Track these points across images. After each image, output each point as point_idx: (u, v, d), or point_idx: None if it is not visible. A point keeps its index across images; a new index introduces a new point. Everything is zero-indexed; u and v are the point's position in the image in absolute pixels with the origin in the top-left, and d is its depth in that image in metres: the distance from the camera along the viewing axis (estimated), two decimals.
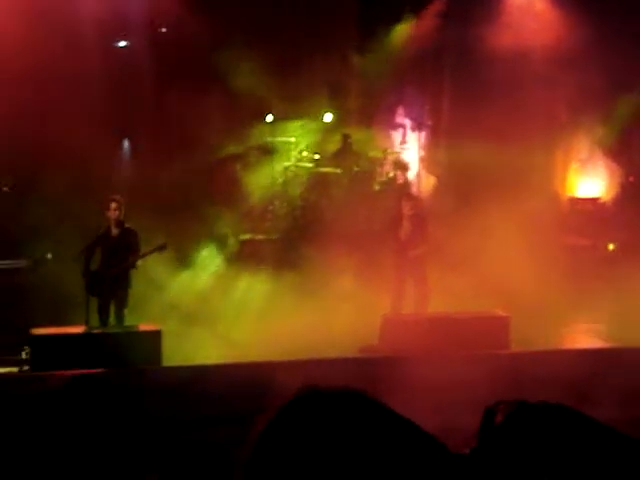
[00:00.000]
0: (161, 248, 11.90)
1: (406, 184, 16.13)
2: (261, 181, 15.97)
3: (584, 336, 13.09)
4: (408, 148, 17.11)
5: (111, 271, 11.77)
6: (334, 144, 16.65)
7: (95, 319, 11.89)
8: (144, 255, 11.89)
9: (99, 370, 10.34)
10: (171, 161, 15.39)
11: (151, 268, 12.46)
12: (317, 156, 16.29)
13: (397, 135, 17.37)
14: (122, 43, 16.38)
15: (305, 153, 16.23)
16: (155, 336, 11.26)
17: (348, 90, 16.90)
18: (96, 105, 14.75)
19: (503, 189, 13.98)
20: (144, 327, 11.54)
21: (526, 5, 16.80)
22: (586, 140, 17.01)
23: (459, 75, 16.36)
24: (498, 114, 14.86)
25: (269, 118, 16.31)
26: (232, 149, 16.10)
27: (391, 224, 13.00)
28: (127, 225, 12.02)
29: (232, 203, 15.39)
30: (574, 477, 1.43)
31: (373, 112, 17.01)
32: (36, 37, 13.67)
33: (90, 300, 11.91)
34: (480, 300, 12.27)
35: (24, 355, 11.50)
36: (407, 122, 17.31)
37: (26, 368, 11.27)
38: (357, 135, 16.70)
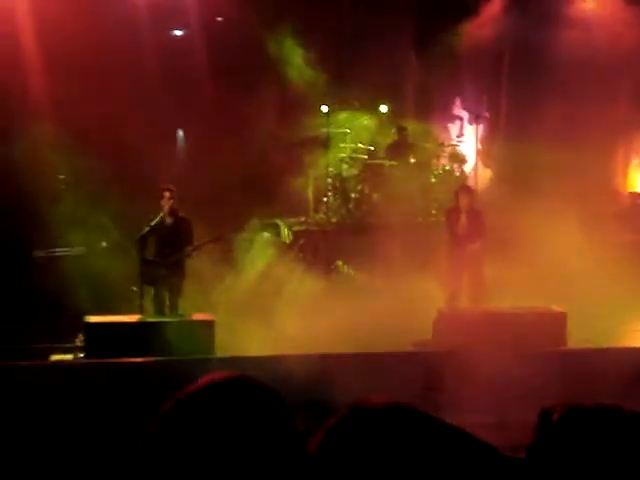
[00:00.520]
0: (217, 239, 11.93)
1: (463, 177, 15.97)
2: (315, 172, 15.92)
3: None
4: (465, 141, 16.93)
5: (166, 260, 11.83)
6: (390, 136, 16.54)
7: (150, 308, 11.96)
8: (200, 246, 11.93)
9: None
10: (225, 151, 15.41)
11: (205, 258, 12.49)
12: (372, 148, 16.19)
13: (454, 127, 17.20)
14: (178, 32, 16.42)
15: (360, 145, 16.14)
16: (208, 326, 11.29)
17: (405, 81, 16.76)
18: (151, 95, 14.82)
19: (562, 184, 13.76)
20: (197, 317, 11.58)
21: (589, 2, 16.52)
22: None
23: (518, 68, 16.14)
24: (557, 108, 14.64)
25: (324, 109, 16.26)
26: (287, 140, 16.07)
27: (448, 218, 12.88)
28: (181, 214, 12.07)
29: (286, 194, 15.36)
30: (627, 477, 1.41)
31: (430, 104, 16.85)
32: (91, 26, 13.76)
33: (145, 289, 11.98)
34: (537, 296, 12.10)
35: (78, 342, 11.62)
36: (464, 114, 17.13)
37: (80, 355, 11.37)
38: (413, 127, 16.57)
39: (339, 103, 16.32)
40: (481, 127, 16.87)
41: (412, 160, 15.93)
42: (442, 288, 12.48)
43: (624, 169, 17.18)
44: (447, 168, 16.16)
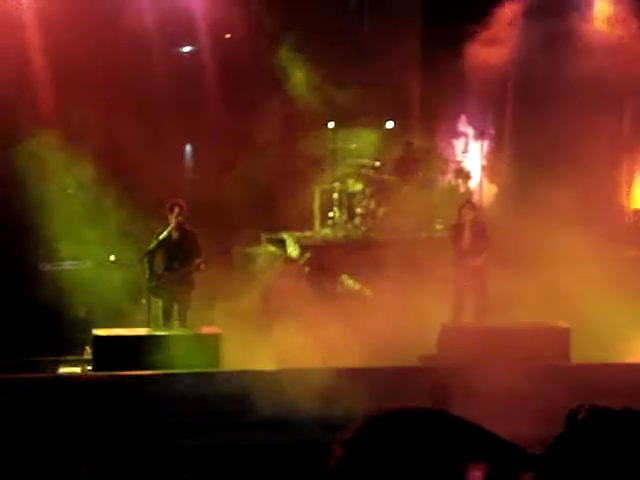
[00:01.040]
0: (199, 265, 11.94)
1: (468, 193, 16.05)
2: (322, 187, 16.00)
3: None
4: (469, 157, 17.02)
5: (174, 274, 11.92)
6: (395, 152, 16.63)
7: (158, 321, 12.04)
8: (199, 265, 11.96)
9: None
10: (232, 166, 15.50)
11: (212, 272, 12.56)
12: (378, 163, 16.28)
13: (459, 144, 17.29)
14: (186, 48, 16.55)
15: (366, 160, 16.23)
16: (215, 339, 11.37)
17: (411, 97, 16.86)
18: (159, 110, 14.92)
19: (566, 200, 13.82)
20: (204, 330, 11.65)
21: (592, 19, 16.59)
22: None
23: (523, 85, 16.23)
24: (562, 125, 14.71)
25: (331, 124, 16.35)
26: (294, 155, 16.16)
27: (452, 233, 12.95)
28: (188, 228, 12.17)
29: (292, 209, 15.44)
30: None
31: (435, 120, 16.95)
32: (100, 42, 13.88)
33: (153, 302, 12.06)
34: (542, 311, 12.15)
35: (86, 355, 11.70)
36: (470, 131, 17.22)
37: (88, 368, 11.45)
38: (419, 143, 16.65)
39: (345, 119, 16.41)
40: (486, 143, 16.95)
41: (418, 176, 16.02)
42: (447, 303, 12.55)
43: (628, 186, 17.23)
44: (452, 184, 16.25)
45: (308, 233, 15.69)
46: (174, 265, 11.97)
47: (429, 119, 16.93)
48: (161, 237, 12.04)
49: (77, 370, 11.52)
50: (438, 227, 15.45)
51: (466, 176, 16.32)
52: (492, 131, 17.12)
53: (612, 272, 12.82)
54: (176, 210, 12.11)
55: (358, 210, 15.77)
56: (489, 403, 9.00)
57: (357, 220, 15.73)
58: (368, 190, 15.87)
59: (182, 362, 11.00)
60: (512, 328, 11.73)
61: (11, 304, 12.80)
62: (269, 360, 11.11)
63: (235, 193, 14.65)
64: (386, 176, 16.11)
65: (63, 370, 11.52)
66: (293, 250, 15.11)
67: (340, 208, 15.79)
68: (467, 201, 14.02)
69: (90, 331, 11.55)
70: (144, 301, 12.12)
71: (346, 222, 15.73)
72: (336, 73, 16.02)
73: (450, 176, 16.35)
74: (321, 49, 15.60)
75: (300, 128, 16.17)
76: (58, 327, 12.33)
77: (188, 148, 16.83)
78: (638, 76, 15.61)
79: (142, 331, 11.57)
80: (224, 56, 15.64)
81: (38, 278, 13.46)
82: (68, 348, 12.08)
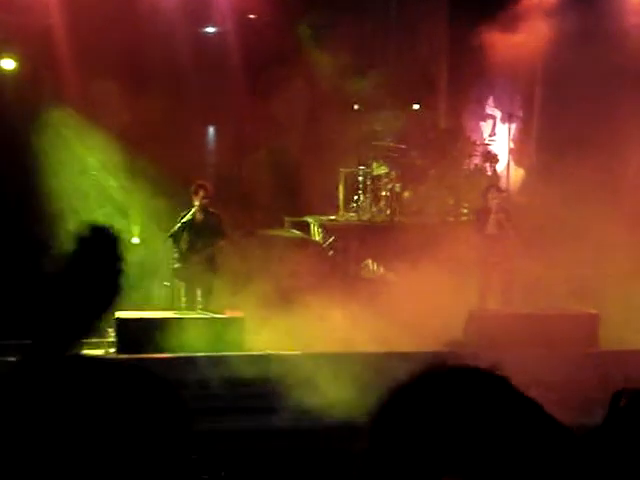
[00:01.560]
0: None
1: (495, 176, 15.86)
2: (346, 170, 15.88)
3: None
4: (496, 140, 16.81)
5: (198, 255, 11.86)
6: (422, 134, 16.46)
7: (182, 304, 12.00)
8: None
9: None
10: (256, 149, 15.41)
11: (237, 254, 12.49)
12: (404, 146, 16.12)
13: (486, 126, 17.08)
14: (210, 29, 16.44)
15: (392, 143, 16.07)
16: (238, 323, 11.32)
17: (438, 79, 16.68)
18: (182, 92, 14.85)
19: (595, 185, 13.63)
20: (228, 313, 11.60)
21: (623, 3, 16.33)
22: None
23: (552, 67, 15.99)
24: (592, 109, 14.49)
25: (356, 107, 16.19)
26: (318, 138, 16.04)
27: (477, 218, 12.81)
28: (211, 209, 12.12)
29: (317, 192, 15.33)
30: None
31: (462, 102, 16.75)
32: (122, 24, 13.81)
33: (177, 284, 12.02)
34: (571, 297, 12.00)
35: (108, 337, 11.67)
36: (497, 113, 17.01)
37: (111, 351, 11.43)
38: (445, 125, 16.48)
39: (371, 101, 16.26)
40: (514, 126, 16.75)
41: (444, 159, 15.86)
42: (471, 288, 12.42)
43: None
44: (479, 167, 16.06)
45: (332, 217, 15.58)
46: (198, 247, 11.92)
47: (456, 101, 16.74)
48: (185, 219, 12.00)
49: (100, 352, 11.49)
50: (464, 211, 15.29)
51: (493, 159, 16.13)
52: (520, 114, 16.90)
53: (638, 257, 12.63)
54: (201, 192, 12.08)
55: (383, 193, 15.63)
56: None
57: (382, 203, 15.59)
58: (393, 173, 15.72)
59: (205, 345, 10.96)
60: (540, 314, 11.60)
61: (31, 285, 12.78)
62: (292, 344, 11.04)
63: (259, 176, 14.57)
64: (412, 159, 15.95)
65: (85, 353, 11.48)
66: (317, 234, 15.01)
67: (365, 191, 15.66)
68: (492, 185, 13.85)
69: (113, 313, 11.53)
70: (167, 283, 12.08)
71: (371, 206, 15.60)
72: (362, 54, 15.87)
73: (477, 159, 16.16)
74: (346, 30, 15.44)
75: (325, 110, 16.05)
76: None
77: (211, 130, 16.73)
78: None
79: (165, 314, 11.54)
80: (248, 37, 15.53)
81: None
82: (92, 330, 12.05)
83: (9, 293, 11.77)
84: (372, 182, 15.73)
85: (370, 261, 14.35)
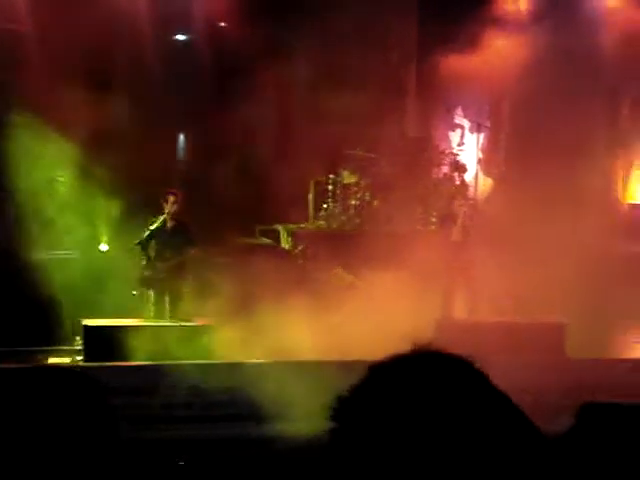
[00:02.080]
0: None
1: (463, 185, 15.96)
2: (316, 179, 15.91)
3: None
4: (465, 150, 16.92)
5: (166, 264, 11.82)
6: (391, 144, 16.52)
7: (150, 312, 11.95)
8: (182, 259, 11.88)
9: None
10: (226, 156, 15.38)
11: (206, 262, 12.48)
12: (373, 155, 16.18)
13: (455, 136, 17.19)
14: (180, 36, 16.42)
15: (361, 152, 16.13)
16: (207, 331, 11.29)
17: (407, 89, 16.76)
18: (152, 98, 14.81)
19: (561, 193, 13.76)
20: (197, 321, 11.57)
21: (592, 8, 16.50)
22: None
23: (520, 77, 16.12)
24: (559, 118, 14.62)
25: (326, 115, 16.22)
26: (288, 145, 16.06)
27: (443, 224, 12.89)
28: (182, 218, 12.09)
29: (287, 200, 15.34)
30: None
31: (432, 112, 16.85)
32: (90, 29, 13.75)
33: (145, 293, 11.98)
34: (535, 306, 12.09)
35: (76, 345, 11.61)
36: (466, 123, 17.13)
37: (78, 358, 11.36)
38: (414, 134, 16.56)
39: (341, 109, 16.29)
40: (482, 136, 16.87)
41: (413, 168, 15.93)
42: (439, 296, 12.49)
43: (624, 179, 17.17)
44: (448, 176, 16.15)
45: (302, 225, 15.60)
46: (166, 255, 11.88)
47: (425, 110, 16.84)
48: (154, 227, 11.95)
49: (67, 360, 11.43)
50: (433, 219, 15.36)
51: (462, 168, 16.22)
52: (488, 124, 17.02)
53: (606, 267, 12.76)
54: (171, 200, 12.04)
55: (352, 202, 15.68)
56: None
57: (351, 212, 15.64)
58: (363, 182, 15.77)
59: (174, 353, 10.93)
60: (507, 323, 11.67)
61: (1, 294, 12.69)
62: (261, 352, 11.03)
63: (229, 184, 14.55)
64: (381, 168, 16.01)
65: (52, 360, 11.43)
66: (286, 241, 15.02)
67: (334, 200, 15.70)
68: (456, 192, 13.96)
69: (81, 321, 11.46)
70: (135, 292, 12.02)
71: (340, 214, 15.64)
72: (331, 63, 15.92)
73: (446, 168, 16.26)
74: (316, 38, 15.48)
75: (295, 118, 16.06)
76: (49, 317, 12.22)
77: (181, 137, 16.70)
78: (635, 68, 15.53)
79: (133, 321, 11.48)
80: (218, 44, 15.53)
81: (29, 267, 13.35)
82: (58, 339, 11.98)
83: None
84: (342, 191, 15.77)
85: (339, 269, 14.37)
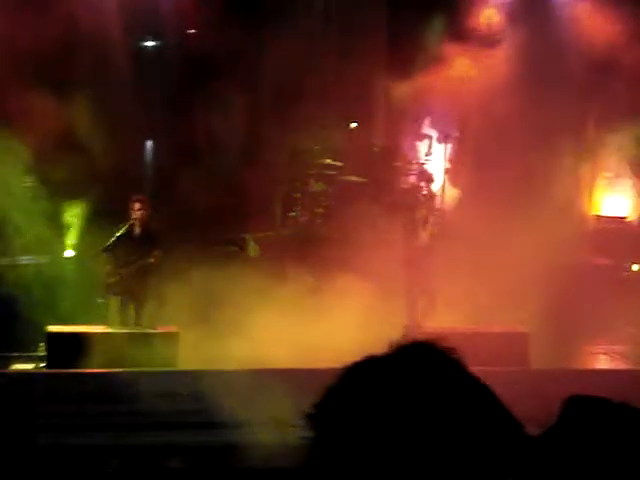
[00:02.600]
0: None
1: (429, 195, 16.02)
2: (283, 187, 15.91)
3: (605, 357, 12.93)
4: (432, 160, 16.99)
5: (130, 269, 11.76)
6: (359, 153, 16.57)
7: (115, 319, 11.88)
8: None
9: None
10: (194, 163, 15.34)
11: (172, 269, 12.43)
12: (340, 164, 16.21)
13: (423, 146, 17.26)
14: (149, 42, 16.37)
15: (329, 161, 16.16)
16: (172, 338, 11.24)
17: (374, 99, 16.81)
18: (120, 104, 14.75)
19: (528, 205, 13.85)
20: (162, 329, 11.51)
21: (557, 15, 16.63)
22: (614, 157, 16.83)
23: (487, 88, 16.23)
24: (526, 128, 14.74)
25: (295, 124, 16.24)
26: (256, 153, 16.06)
27: (406, 231, 12.96)
28: (152, 226, 12.03)
29: (253, 209, 15.34)
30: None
31: (399, 122, 16.91)
32: (57, 33, 13.67)
33: (110, 299, 11.90)
34: (500, 316, 12.15)
35: (40, 351, 11.51)
36: (433, 133, 17.20)
37: (42, 365, 11.27)
38: (382, 144, 16.61)
39: (308, 119, 16.32)
40: (450, 146, 16.95)
41: (380, 177, 15.98)
42: (404, 303, 12.56)
43: (589, 191, 17.31)
44: (415, 186, 16.19)
45: (269, 233, 15.58)
46: (132, 261, 11.82)
47: (393, 121, 16.90)
48: (119, 233, 11.88)
49: (30, 367, 11.33)
50: (399, 228, 15.39)
51: (429, 178, 16.28)
52: (456, 134, 17.10)
53: (572, 279, 12.86)
54: (136, 205, 11.97)
55: (319, 210, 15.70)
56: None
57: (318, 220, 15.65)
58: (330, 190, 15.80)
59: (138, 361, 10.86)
60: (472, 332, 11.71)
61: None
62: (227, 359, 11.00)
63: (196, 191, 14.51)
64: (349, 177, 16.05)
65: (16, 367, 11.32)
66: (253, 250, 15.00)
67: (302, 208, 15.70)
68: (418, 200, 14.05)
69: (45, 327, 11.36)
70: (101, 300, 11.95)
71: (308, 222, 15.65)
72: (300, 72, 15.95)
73: (413, 178, 16.30)
74: (285, 47, 15.50)
75: (264, 127, 16.07)
76: (12, 323, 12.11)
77: (149, 144, 16.62)
78: (601, 79, 15.68)
79: (97, 328, 11.40)
80: (187, 51, 15.51)
81: None
82: (22, 344, 11.88)
83: None
84: (309, 199, 15.78)
85: (306, 276, 14.37)
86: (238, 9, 15.68)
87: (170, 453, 9.68)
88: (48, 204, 13.79)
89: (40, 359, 11.41)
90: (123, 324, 11.77)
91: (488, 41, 16.18)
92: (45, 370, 10.97)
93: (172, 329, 11.44)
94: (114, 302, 11.93)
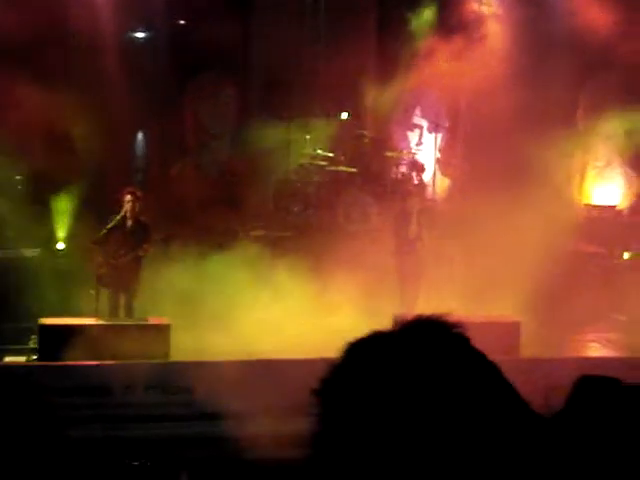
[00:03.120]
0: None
1: (421, 185, 16.04)
2: (276, 178, 15.91)
3: (596, 344, 12.98)
4: (423, 149, 17.01)
5: (120, 261, 11.75)
6: (349, 143, 16.57)
7: (106, 310, 11.87)
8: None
9: None
10: (186, 155, 15.34)
11: (162, 262, 12.43)
12: (332, 154, 16.21)
13: (413, 136, 17.27)
14: (139, 34, 16.33)
15: (319, 151, 16.15)
16: (164, 330, 11.24)
17: (365, 89, 16.80)
18: (112, 97, 14.72)
19: (518, 193, 13.87)
20: (153, 320, 11.51)
21: (548, 4, 16.64)
22: (604, 147, 16.88)
23: (477, 77, 16.24)
24: (516, 118, 14.75)
25: (285, 115, 16.25)
26: (248, 145, 16.05)
27: (396, 222, 12.97)
28: (142, 219, 12.01)
29: (245, 199, 15.33)
30: None
31: (390, 112, 16.91)
32: (51, 27, 13.63)
33: (101, 291, 11.90)
34: (491, 304, 12.18)
35: (32, 344, 11.50)
36: (424, 123, 17.21)
37: (34, 357, 11.26)
38: (373, 134, 16.62)
39: (300, 109, 16.32)
40: (440, 136, 16.96)
41: (371, 167, 15.99)
42: (396, 293, 12.59)
43: (580, 180, 17.35)
44: (406, 176, 16.22)
45: (260, 224, 15.57)
46: (123, 253, 11.82)
47: (384, 111, 16.89)
48: (109, 225, 11.87)
49: (22, 359, 11.32)
50: (390, 218, 15.41)
51: (420, 168, 16.31)
52: (446, 124, 17.12)
53: (563, 267, 12.89)
54: (128, 198, 11.96)
55: (312, 201, 15.70)
56: None
57: (310, 211, 15.65)
58: (322, 181, 15.80)
59: (130, 352, 10.86)
60: (465, 321, 11.71)
61: None
62: (218, 351, 11.01)
63: (187, 183, 14.50)
64: (340, 167, 16.05)
65: (8, 359, 11.31)
66: (244, 242, 14.98)
67: (294, 198, 15.70)
68: (408, 190, 14.06)
69: (37, 320, 11.35)
70: (92, 291, 11.94)
71: (299, 213, 15.65)
72: (291, 63, 15.93)
73: (404, 168, 16.32)
74: (277, 39, 15.49)
75: (255, 118, 16.06)
76: (4, 315, 12.10)
77: (140, 136, 16.60)
78: (593, 67, 15.71)
79: (89, 321, 11.39)
80: (177, 42, 15.48)
81: None
82: (14, 337, 11.87)
83: None
84: (301, 189, 15.78)
85: (296, 267, 14.37)
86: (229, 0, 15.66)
87: (165, 446, 9.70)
88: (39, 197, 13.77)
89: (32, 351, 11.40)
90: (113, 315, 11.77)
91: (478, 31, 16.18)
92: (37, 363, 10.96)
93: (163, 320, 11.44)
94: (105, 294, 11.92)
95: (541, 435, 1.29)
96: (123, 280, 11.75)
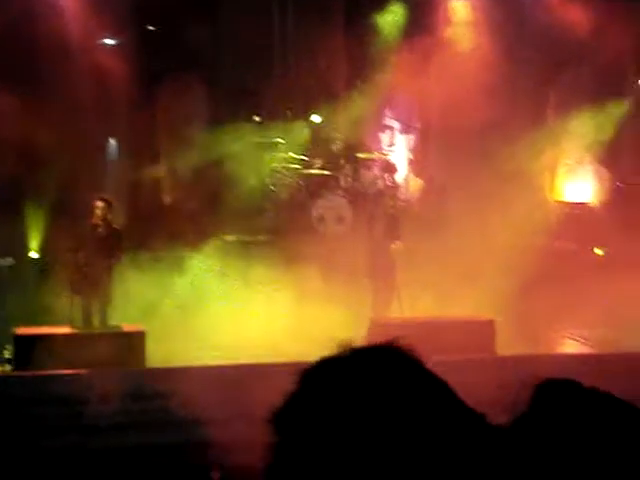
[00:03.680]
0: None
1: (393, 186, 16.08)
2: (249, 182, 15.89)
3: (570, 341, 13.06)
4: (395, 151, 17.04)
5: (93, 269, 11.70)
6: (321, 145, 16.58)
7: (79, 318, 11.81)
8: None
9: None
10: (158, 161, 15.28)
11: (136, 269, 12.39)
12: (305, 157, 16.22)
13: (385, 137, 17.30)
14: (109, 41, 16.25)
15: (293, 154, 16.16)
16: (139, 337, 11.19)
17: (336, 91, 16.82)
18: (82, 104, 14.64)
19: (490, 192, 13.94)
20: (128, 328, 11.47)
21: (519, 2, 16.72)
22: (575, 144, 16.98)
23: (447, 77, 16.31)
24: (486, 116, 14.82)
25: (257, 119, 16.25)
26: (219, 149, 16.01)
27: (368, 223, 13.02)
28: (114, 225, 11.97)
29: (219, 204, 15.30)
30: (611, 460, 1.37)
31: (361, 113, 16.94)
32: (20, 33, 13.55)
33: (74, 299, 11.84)
34: (465, 304, 12.22)
35: (6, 354, 11.42)
36: (395, 124, 17.25)
37: (8, 368, 11.18)
38: (345, 136, 16.63)
39: (272, 112, 16.32)
40: (412, 137, 17.01)
41: (343, 169, 16.01)
42: (368, 295, 12.64)
43: (551, 177, 17.45)
44: (378, 177, 16.25)
45: (235, 229, 15.54)
46: (95, 261, 11.76)
47: (355, 112, 16.92)
48: (82, 233, 11.82)
49: None
50: (362, 220, 15.44)
51: (392, 169, 16.34)
52: (418, 125, 17.17)
53: (535, 264, 12.95)
54: (99, 205, 11.91)
55: (286, 204, 15.70)
56: None
57: (285, 214, 15.65)
58: (296, 184, 15.81)
59: (105, 361, 10.81)
60: (438, 322, 11.76)
61: None
62: (192, 357, 10.99)
63: (159, 188, 14.46)
64: (314, 170, 16.06)
65: None
66: (219, 246, 14.95)
67: (268, 203, 15.70)
68: (378, 191, 14.11)
69: (11, 329, 11.28)
70: (65, 298, 11.87)
71: (274, 217, 15.64)
72: (261, 65, 15.93)
73: (376, 169, 16.36)
74: (246, 42, 15.47)
75: (226, 122, 16.02)
76: None
77: (112, 143, 16.52)
78: (563, 64, 15.81)
79: (64, 330, 11.33)
80: (147, 48, 15.42)
81: None
82: None
83: None
84: (275, 194, 15.79)
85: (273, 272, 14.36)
86: (196, 3, 15.63)
87: (140, 454, 9.66)
88: (12, 205, 13.68)
89: (7, 361, 11.32)
90: (87, 324, 11.71)
91: (447, 31, 16.24)
92: (12, 373, 10.89)
93: (138, 328, 11.40)
94: (78, 301, 11.86)
95: (491, 450, 1.30)
96: (96, 287, 11.69)
